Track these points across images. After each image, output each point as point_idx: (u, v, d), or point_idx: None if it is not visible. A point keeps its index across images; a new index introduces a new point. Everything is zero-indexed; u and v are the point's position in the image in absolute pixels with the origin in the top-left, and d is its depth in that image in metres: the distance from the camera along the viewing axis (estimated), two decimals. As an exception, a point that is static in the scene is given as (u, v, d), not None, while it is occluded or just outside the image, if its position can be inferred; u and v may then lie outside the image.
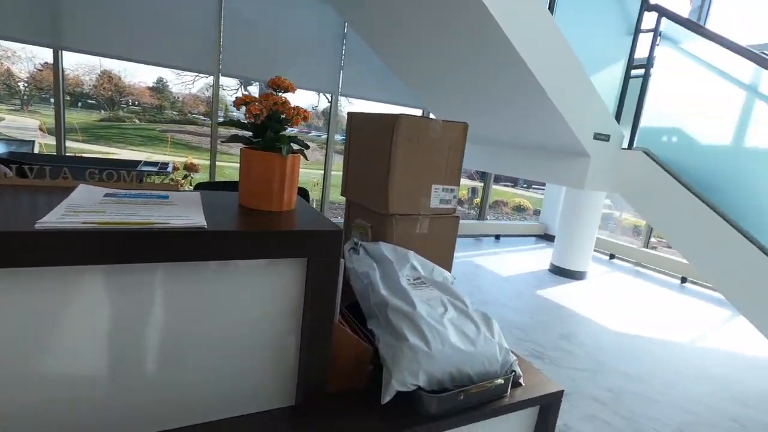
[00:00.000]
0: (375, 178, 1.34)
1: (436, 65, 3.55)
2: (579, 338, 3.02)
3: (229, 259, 0.68)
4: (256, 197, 0.83)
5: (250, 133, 0.85)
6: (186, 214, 0.72)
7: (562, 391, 1.03)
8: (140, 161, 3.69)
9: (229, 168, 10.96)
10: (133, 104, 14.17)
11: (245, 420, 0.79)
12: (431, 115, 5.50)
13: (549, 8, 2.89)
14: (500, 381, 0.92)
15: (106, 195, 0.78)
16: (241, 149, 0.84)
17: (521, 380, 1.03)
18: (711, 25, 4.92)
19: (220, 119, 4.51)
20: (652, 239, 5.76)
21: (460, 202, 8.75)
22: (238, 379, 0.78)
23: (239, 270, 0.72)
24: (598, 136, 3.21)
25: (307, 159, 0.91)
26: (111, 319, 0.65)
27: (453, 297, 1.09)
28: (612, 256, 5.72)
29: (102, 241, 0.59)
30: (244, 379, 0.78)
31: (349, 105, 6.54)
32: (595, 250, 5.07)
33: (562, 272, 4.58)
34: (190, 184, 4.32)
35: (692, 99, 3.18)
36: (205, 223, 0.67)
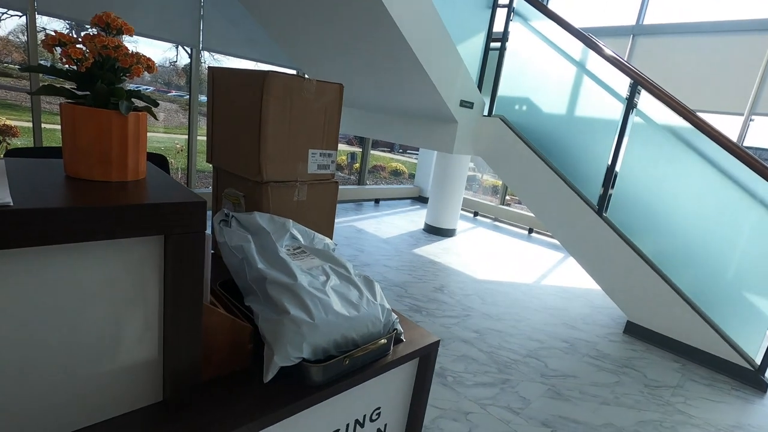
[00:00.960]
0: (245, 142, 1.22)
1: (310, 21, 3.37)
2: (450, 289, 3.35)
3: (53, 244, 0.54)
4: (88, 165, 0.67)
5: (74, 84, 0.68)
6: (-20, 188, 0.54)
7: (439, 341, 1.11)
8: None
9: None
10: None
11: (110, 423, 0.67)
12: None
13: (419, -27, 2.92)
14: (383, 341, 0.95)
15: None
16: (60, 104, 0.66)
17: (402, 336, 1.08)
18: (554, 6, 5.59)
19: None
20: (507, 197, 6.60)
21: (340, 168, 8.76)
22: (92, 383, 0.65)
23: (75, 255, 0.58)
24: (463, 104, 3.45)
25: (156, 118, 0.77)
26: None
27: (335, 264, 1.07)
28: (476, 214, 6.40)
29: None
30: (99, 381, 0.66)
31: (215, 62, 5.88)
32: (462, 209, 5.60)
33: (434, 231, 4.97)
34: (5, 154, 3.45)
35: (537, 72, 3.61)
36: (11, 200, 0.52)
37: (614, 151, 3.05)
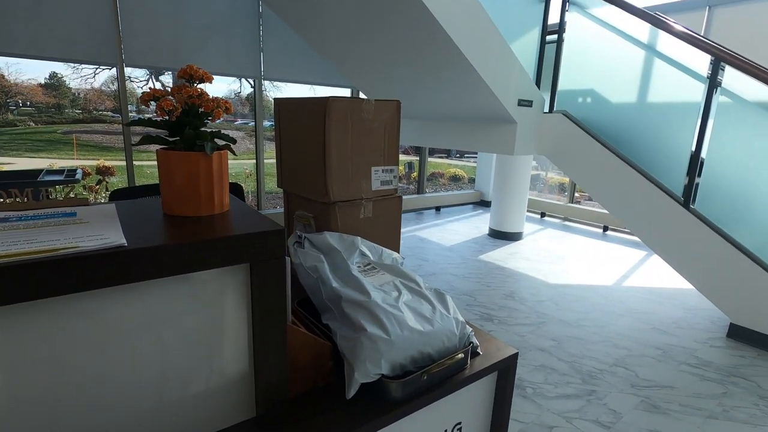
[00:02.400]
0: (311, 166, 1.28)
1: (360, 41, 3.47)
2: (521, 295, 3.22)
3: (159, 278, 0.61)
4: (181, 203, 0.75)
5: (166, 132, 0.76)
6: (99, 232, 0.63)
7: (517, 353, 1.08)
8: (41, 170, 3.26)
9: (151, 167, 10.12)
10: (24, 105, 12.45)
11: (203, 444, 0.73)
12: (361, 95, 5.42)
13: (465, -22, 2.90)
14: (460, 355, 0.94)
15: (-4, 220, 0.66)
16: (156, 151, 0.74)
17: (479, 349, 1.06)
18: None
19: (132, 116, 4.11)
20: (576, 194, 6.24)
21: (399, 178, 8.84)
22: (192, 402, 0.72)
23: (173, 286, 0.65)
24: (522, 103, 3.34)
25: (235, 154, 0.84)
26: (26, 365, 0.56)
27: (405, 279, 1.08)
28: (543, 215, 6.12)
29: (-5, 279, 0.49)
30: (199, 400, 0.72)
31: (275, 89, 6.25)
32: (528, 211, 5.39)
33: (500, 235, 4.82)
34: (106, 191, 3.92)
35: (601, 61, 3.40)
36: (125, 241, 0.59)
37: (698, 136, 2.77)
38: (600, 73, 3.41)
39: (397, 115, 1.36)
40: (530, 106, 3.44)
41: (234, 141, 0.82)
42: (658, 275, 3.76)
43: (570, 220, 5.83)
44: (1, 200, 0.75)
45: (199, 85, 0.77)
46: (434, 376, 0.91)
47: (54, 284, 0.53)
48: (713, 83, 2.67)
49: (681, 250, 2.86)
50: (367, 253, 1.18)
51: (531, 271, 3.76)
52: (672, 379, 2.18)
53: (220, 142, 0.80)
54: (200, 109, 0.75)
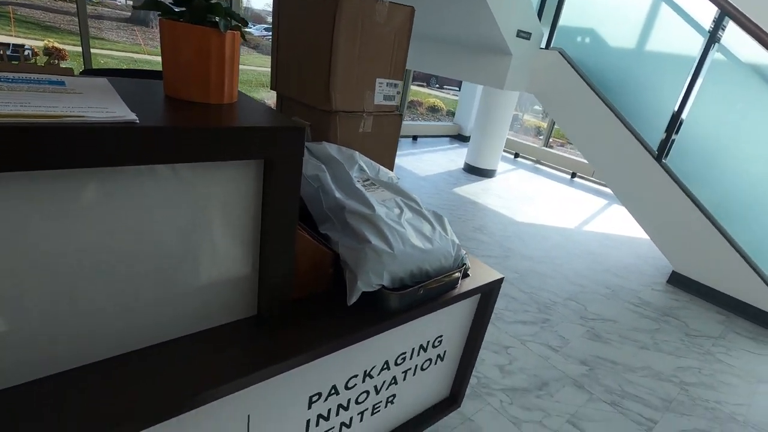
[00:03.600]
0: (313, 69, 1.18)
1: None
2: (489, 229, 3.34)
3: (174, 162, 0.56)
4: (188, 85, 0.67)
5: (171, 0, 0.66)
6: (101, 105, 0.56)
7: (502, 278, 1.13)
8: None
9: (106, 57, 9.12)
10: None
11: (209, 333, 0.74)
12: None
13: None
14: (457, 274, 0.97)
15: (-30, 78, 0.57)
16: (160, 21, 0.65)
17: (469, 271, 1.10)
18: None
19: (87, -11, 3.59)
20: (551, 139, 6.31)
21: (377, 102, 8.51)
22: (195, 297, 0.71)
23: (184, 175, 0.60)
24: (520, 34, 3.20)
25: (245, 40, 0.75)
26: (40, 241, 0.51)
27: (405, 198, 1.08)
28: (516, 155, 6.19)
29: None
30: (203, 293, 0.71)
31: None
32: (503, 150, 5.42)
33: (475, 171, 4.87)
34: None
35: (607, 0, 3.26)
36: (136, 117, 0.53)
37: (685, 93, 2.79)
38: (603, 12, 3.28)
39: (409, 24, 1.26)
40: (528, 38, 3.30)
41: (246, 23, 0.73)
42: (616, 223, 3.99)
43: (541, 164, 5.96)
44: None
45: (210, -53, 0.66)
46: (430, 291, 0.94)
47: (56, 156, 0.47)
48: (713, 38, 2.64)
49: (644, 200, 3.01)
50: (365, 168, 1.15)
51: (501, 208, 3.88)
52: (615, 315, 2.41)
53: (233, 22, 0.71)
54: (213, -24, 0.65)
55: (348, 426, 1.00)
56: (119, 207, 0.57)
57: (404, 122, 6.19)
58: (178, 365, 0.66)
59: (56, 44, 5.39)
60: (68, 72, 0.69)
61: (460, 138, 6.68)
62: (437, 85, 15.16)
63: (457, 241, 1.04)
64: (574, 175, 5.55)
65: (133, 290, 0.63)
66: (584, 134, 3.32)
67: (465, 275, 1.08)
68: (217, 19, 0.65)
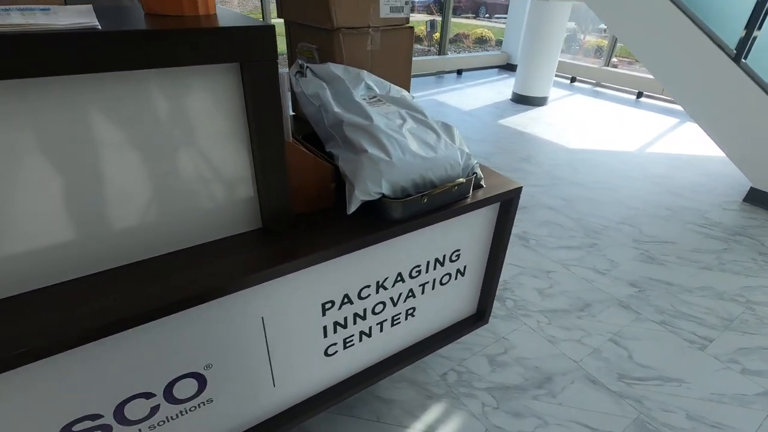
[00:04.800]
0: (312, -15, 1.14)
1: None
2: (538, 159, 3.16)
3: (140, 68, 0.58)
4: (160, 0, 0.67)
5: None
6: (73, 20, 0.58)
7: (521, 187, 1.08)
8: None
9: None
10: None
11: (218, 243, 0.79)
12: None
13: None
14: (461, 180, 0.94)
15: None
16: (123, -69, 0.65)
17: (483, 182, 1.06)
18: None
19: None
20: (613, 59, 5.66)
21: (419, 40, 8.10)
22: (198, 206, 0.75)
23: (160, 81, 0.62)
24: (566, -69, 2.80)
25: (216, -54, 0.73)
26: (31, 157, 0.57)
27: (411, 110, 1.04)
28: (573, 80, 5.67)
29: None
30: (204, 205, 0.76)
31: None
32: (556, 75, 4.98)
33: (523, 100, 4.55)
34: None
35: None
36: (98, 24, 0.55)
37: (773, -27, 2.33)
38: None
39: None
40: (577, -64, 2.88)
41: (212, -74, 0.70)
42: (685, 143, 3.59)
43: (602, 86, 5.41)
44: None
45: None
46: (435, 200, 0.92)
47: (27, 64, 0.50)
48: None
49: (720, 109, 2.65)
50: (373, 86, 1.12)
51: (551, 137, 3.63)
52: (675, 236, 2.23)
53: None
54: None
55: (368, 335, 1.06)
56: (97, 117, 0.60)
57: (447, 56, 5.86)
58: (192, 267, 0.72)
59: None
60: (57, 2, 0.72)
61: (509, 68, 6.22)
62: (486, 15, 14.00)
63: (467, 151, 1.00)
64: (640, 95, 5.00)
65: (126, 210, 0.69)
66: (648, 42, 2.93)
67: (478, 186, 1.05)
68: None
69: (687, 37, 2.67)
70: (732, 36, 2.54)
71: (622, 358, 1.49)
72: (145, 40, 0.56)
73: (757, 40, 2.47)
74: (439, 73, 5.71)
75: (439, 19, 6.79)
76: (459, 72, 5.86)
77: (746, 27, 2.48)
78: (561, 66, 5.40)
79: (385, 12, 1.21)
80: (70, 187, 0.62)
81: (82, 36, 0.52)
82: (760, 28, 2.46)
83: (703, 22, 2.63)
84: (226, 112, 0.70)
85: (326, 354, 0.99)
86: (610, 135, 3.72)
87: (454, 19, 5.94)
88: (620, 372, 1.43)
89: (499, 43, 8.90)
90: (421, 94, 4.76)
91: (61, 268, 0.67)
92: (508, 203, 1.08)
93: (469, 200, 0.99)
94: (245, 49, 0.64)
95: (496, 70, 6.20)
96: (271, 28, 0.64)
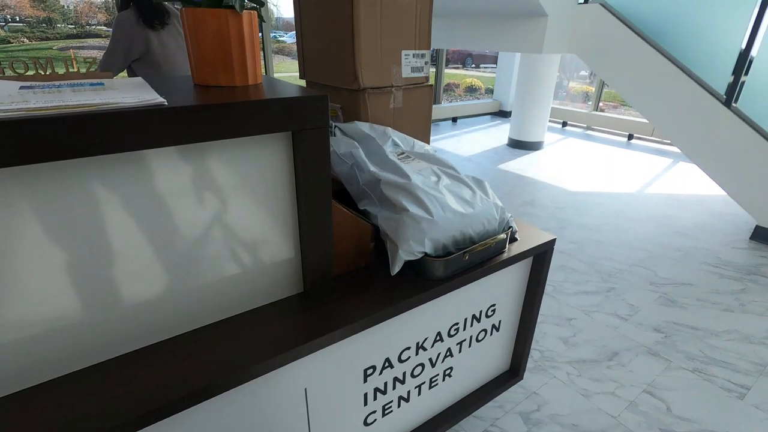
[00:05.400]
0: (338, 49, 1.18)
1: None
2: (541, 202, 3.20)
3: (202, 141, 0.58)
4: (213, 70, 0.69)
5: (187, -10, 0.68)
6: (135, 94, 0.58)
7: (555, 239, 1.07)
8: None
9: (154, 82, 9.72)
10: (14, 20, 11.79)
11: (259, 312, 0.76)
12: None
13: None
14: (502, 236, 0.93)
15: (22, 88, 0.62)
16: (181, 11, 0.67)
17: (516, 235, 1.05)
18: None
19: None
20: (600, 103, 5.91)
21: (412, 90, 8.40)
22: (244, 275, 0.73)
23: (214, 154, 0.62)
24: (555, -8, 3.01)
25: (264, 20, 0.76)
26: (72, 229, 0.56)
27: (442, 166, 1.05)
28: (564, 124, 5.87)
29: (32, 131, 0.46)
30: (249, 273, 0.74)
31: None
32: (549, 120, 5.16)
33: (520, 145, 4.68)
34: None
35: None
36: (165, 100, 0.55)
37: (751, 30, 2.49)
38: (648, -48, 3.00)
39: (430, -10, 1.22)
40: (564, -5, 3.10)
41: (263, 3, 0.73)
42: (683, 182, 3.67)
43: (593, 129, 5.60)
44: (22, 71, 0.70)
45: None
46: (475, 256, 0.91)
47: (97, 141, 0.50)
48: (782, -42, 2.33)
49: (716, 151, 2.73)
50: (399, 142, 1.14)
51: (551, 180, 3.70)
52: (691, 277, 2.22)
53: (248, 4, 0.72)
54: (223, -42, 0.66)
55: (407, 400, 1.00)
56: (155, 187, 0.59)
57: (442, 105, 6.08)
58: (233, 340, 0.69)
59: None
60: (107, 75, 0.73)
61: (501, 114, 6.45)
62: (473, 65, 14.72)
63: (500, 204, 1.00)
64: (630, 137, 5.17)
65: (184, 275, 0.66)
66: (640, 90, 3.07)
67: (513, 239, 1.04)
68: (232, 1, 0.66)
69: (679, 85, 2.80)
70: (721, 81, 2.67)
71: (660, 412, 1.42)
72: (211, 113, 0.56)
73: (745, 84, 2.60)
74: (435, 121, 5.89)
75: (432, 69, 7.10)
76: (454, 119, 6.05)
77: (733, 73, 2.62)
78: (553, 111, 5.62)
79: (406, 72, 1.25)
80: (137, 250, 0.60)
81: (150, 113, 0.52)
82: (746, 73, 2.59)
83: (692, 71, 2.77)
84: (277, 177, 0.69)
85: (365, 424, 0.93)
86: (607, 176, 3.80)
87: (444, 70, 6.22)
88: (662, 427, 1.36)
89: (488, 91, 9.30)
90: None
91: (99, 344, 0.63)
92: (542, 256, 1.07)
93: (506, 255, 0.98)
94: (300, 117, 0.64)
95: (489, 116, 6.42)
96: (324, 98, 0.65)
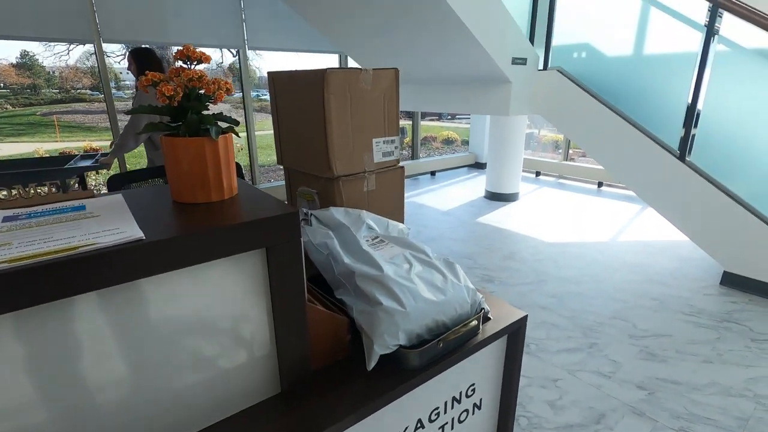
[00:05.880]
0: (312, 141, 1.26)
1: (351, 6, 3.33)
2: (521, 255, 3.27)
3: (179, 268, 0.61)
4: (191, 190, 0.74)
5: (167, 118, 0.74)
6: (114, 225, 0.62)
7: (526, 316, 1.11)
8: (69, 156, 3.12)
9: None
10: (-1, 87, 11.98)
11: (235, 419, 0.76)
12: (350, 61, 5.26)
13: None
14: (474, 322, 0.96)
15: (5, 219, 0.65)
16: (161, 138, 0.73)
17: (489, 314, 1.09)
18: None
19: (114, 93, 3.96)
20: (570, 152, 6.22)
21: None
22: (220, 384, 0.74)
23: (192, 276, 0.65)
24: (516, 61, 3.27)
25: (239, 135, 0.82)
26: (53, 366, 0.57)
27: (414, 250, 1.09)
28: (538, 174, 6.13)
29: (18, 281, 0.49)
30: (225, 381, 0.74)
31: (258, 57, 6.03)
32: (523, 171, 5.39)
33: (496, 197, 4.84)
34: (96, 172, 3.83)
35: (595, 13, 3.30)
36: (143, 234, 0.59)
37: (695, 88, 2.74)
38: (595, 26, 3.32)
39: (396, 84, 1.33)
40: (524, 64, 3.36)
41: (237, 123, 0.80)
42: (652, 228, 3.82)
43: (565, 178, 5.86)
44: (4, 195, 0.73)
45: (197, 67, 0.75)
46: (449, 343, 0.94)
47: (76, 283, 0.53)
48: (711, 31, 2.61)
49: (676, 202, 2.89)
50: (374, 226, 1.19)
51: (529, 231, 3.81)
52: (668, 328, 2.27)
53: (225, 126, 0.78)
54: (201, 92, 0.73)
55: (391, 493, 0.98)
56: (135, 315, 0.62)
57: (420, 159, 6.30)
58: (209, 456, 0.68)
59: (93, 145, 5.95)
60: (89, 194, 0.77)
61: (478, 166, 6.70)
62: (449, 117, 15.41)
63: (471, 287, 1.04)
64: (600, 184, 5.41)
65: (154, 386, 0.67)
66: (600, 146, 3.27)
67: (486, 319, 1.07)
68: (209, 127, 0.72)
69: (635, 142, 3.00)
70: (674, 136, 2.88)
71: (650, 479, 1.41)
72: (189, 244, 0.60)
73: (696, 137, 2.80)
74: (415, 176, 6.08)
75: (408, 124, 7.43)
76: (432, 173, 6.26)
77: (684, 126, 2.83)
78: (526, 162, 5.87)
79: (378, 158, 1.33)
80: (105, 367, 0.61)
81: (128, 251, 0.55)
82: (695, 126, 2.80)
83: (645, 128, 2.99)
84: (251, 288, 0.72)
85: None
86: (581, 225, 3.94)
87: (420, 123, 6.51)
88: (653, 496, 1.34)
89: (464, 142, 9.70)
90: (400, 197, 4.99)
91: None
92: (515, 333, 1.10)
93: (480, 337, 1.01)
94: (274, 235, 0.69)
95: (466, 168, 6.67)
96: (295, 215, 0.70)
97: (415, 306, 0.89)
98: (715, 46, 2.62)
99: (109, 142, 3.66)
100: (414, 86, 4.27)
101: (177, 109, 0.71)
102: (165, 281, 0.63)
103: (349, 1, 3.26)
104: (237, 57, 4.66)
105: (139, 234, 0.59)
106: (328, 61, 5.27)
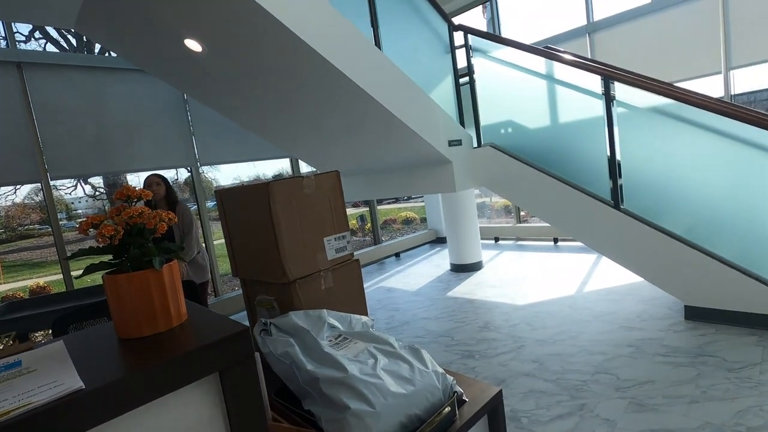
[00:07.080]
0: (264, 250, 1.29)
1: (287, 114, 3.60)
2: (495, 324, 3.26)
3: (126, 413, 0.58)
4: (136, 325, 0.72)
5: (109, 256, 0.75)
6: (51, 379, 0.60)
7: (501, 391, 1.09)
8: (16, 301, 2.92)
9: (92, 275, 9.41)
10: (-65, 235, 11.41)
11: None
12: (301, 164, 5.53)
13: (376, 45, 3.16)
14: (447, 409, 0.94)
15: (-72, 392, 0.61)
16: (102, 277, 0.73)
17: (464, 396, 1.07)
18: (504, 30, 5.90)
19: (62, 224, 3.88)
20: (522, 214, 6.57)
21: (353, 232, 8.87)
22: None
23: (141, 416, 0.62)
24: (452, 143, 3.57)
25: (185, 260, 0.84)
26: None
27: (378, 343, 1.09)
28: (497, 239, 6.36)
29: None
30: None
31: (213, 169, 6.21)
32: (481, 239, 5.58)
33: (461, 268, 4.92)
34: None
35: (512, 94, 3.76)
36: (82, 383, 0.57)
37: (609, 145, 3.08)
38: (514, 104, 3.76)
39: (339, 184, 1.42)
40: (460, 144, 3.68)
41: (182, 248, 0.82)
42: (611, 274, 3.97)
43: (522, 239, 6.10)
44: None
45: (138, 203, 0.78)
46: (426, 436, 0.90)
47: (8, 451, 0.49)
48: (608, 98, 3.02)
49: (622, 247, 3.07)
50: (336, 324, 1.18)
51: (499, 298, 3.84)
52: (650, 374, 2.26)
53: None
54: (143, 227, 0.76)
55: None
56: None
57: (383, 243, 6.40)
58: None
59: (40, 282, 5.65)
60: (27, 347, 0.74)
61: (439, 240, 6.88)
62: (405, 198, 16.03)
63: (440, 371, 1.03)
64: (556, 240, 5.67)
65: None
66: (542, 207, 3.51)
67: (461, 402, 1.05)
68: (152, 258, 0.74)
69: (572, 199, 3.25)
70: (605, 188, 3.15)
71: None
72: (131, 384, 0.58)
73: (623, 187, 3.07)
74: (381, 260, 6.12)
75: (366, 210, 7.65)
76: (397, 255, 6.34)
77: (610, 178, 3.11)
78: (483, 230, 6.10)
79: (331, 255, 1.37)
80: None
81: (66, 405, 0.53)
82: (620, 176, 3.08)
83: (579, 185, 3.26)
84: (207, 417, 0.69)
85: None
86: (546, 284, 4.03)
87: (378, 207, 6.73)
88: None
89: (423, 220, 10.02)
90: (369, 284, 4.97)
91: None
92: (494, 410, 1.07)
93: (458, 423, 0.97)
94: (226, 356, 0.68)
95: (429, 245, 6.82)
96: (246, 331, 0.70)
97: (385, 403, 0.87)
98: (616, 109, 3.02)
99: (59, 275, 3.46)
100: (365, 177, 4.51)
101: (118, 247, 0.73)
102: (113, 427, 0.59)
103: (291, 114, 3.53)
104: (190, 173, 4.78)
105: (78, 384, 0.56)
106: (280, 165, 5.52)
